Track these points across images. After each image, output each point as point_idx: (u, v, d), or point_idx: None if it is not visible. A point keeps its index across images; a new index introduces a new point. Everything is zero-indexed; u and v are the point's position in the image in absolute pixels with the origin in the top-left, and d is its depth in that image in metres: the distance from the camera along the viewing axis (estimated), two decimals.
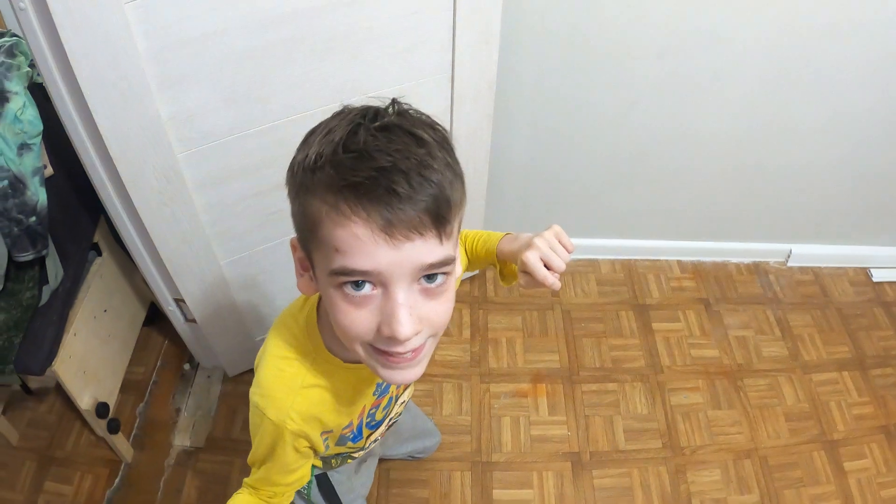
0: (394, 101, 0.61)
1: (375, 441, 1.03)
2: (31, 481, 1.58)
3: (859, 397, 1.81)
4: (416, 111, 0.61)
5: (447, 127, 0.68)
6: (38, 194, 1.28)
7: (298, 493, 1.08)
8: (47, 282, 1.39)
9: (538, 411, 1.74)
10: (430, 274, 0.59)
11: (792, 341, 1.93)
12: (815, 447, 1.69)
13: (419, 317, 0.60)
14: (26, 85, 1.26)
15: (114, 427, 1.55)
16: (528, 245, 0.77)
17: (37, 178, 1.27)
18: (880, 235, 2.09)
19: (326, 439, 0.83)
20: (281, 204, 1.37)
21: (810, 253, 2.13)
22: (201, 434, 1.68)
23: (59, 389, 1.50)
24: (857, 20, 1.50)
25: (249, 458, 0.81)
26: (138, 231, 1.31)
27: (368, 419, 0.93)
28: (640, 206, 1.99)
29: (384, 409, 0.96)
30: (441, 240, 0.58)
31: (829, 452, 1.68)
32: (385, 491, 1.58)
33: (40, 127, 1.26)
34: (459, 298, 1.94)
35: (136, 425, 1.70)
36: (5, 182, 1.21)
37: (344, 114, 0.61)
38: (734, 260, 2.15)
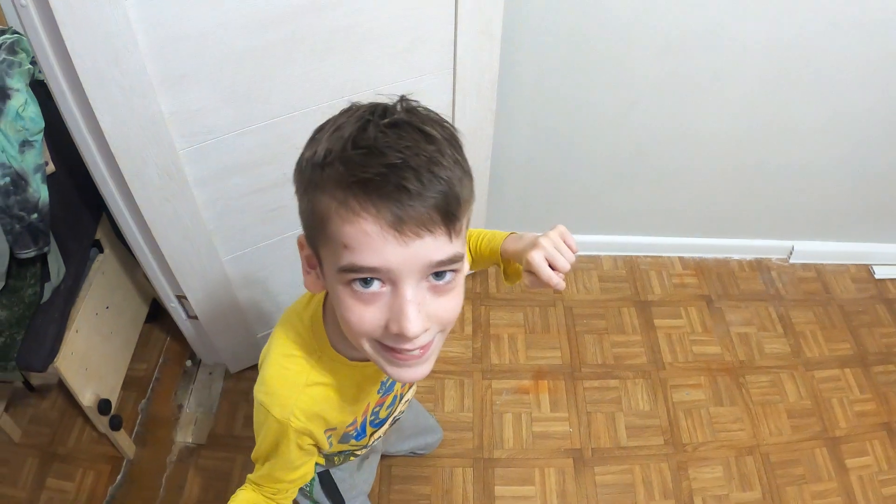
0: (402, 98, 0.60)
1: (378, 439, 1.03)
2: (33, 478, 1.58)
3: (861, 394, 1.81)
4: (425, 108, 0.61)
5: None
6: (40, 191, 1.28)
7: (301, 490, 1.08)
8: (49, 279, 1.39)
9: (540, 408, 1.74)
10: (438, 271, 0.59)
11: (794, 338, 1.93)
12: (817, 444, 1.69)
13: (428, 314, 0.60)
14: (28, 82, 1.26)
15: (116, 424, 1.55)
16: (533, 245, 0.77)
17: (38, 175, 1.27)
18: (883, 232, 2.09)
19: (330, 437, 0.83)
20: (282, 200, 1.38)
21: (812, 250, 2.12)
22: (203, 431, 1.68)
23: (62, 386, 1.51)
24: (858, 18, 1.49)
25: (253, 455, 0.81)
26: (140, 228, 1.30)
27: (372, 417, 0.93)
28: (641, 204, 1.99)
29: (388, 407, 0.96)
30: (450, 237, 0.57)
31: (830, 449, 1.68)
32: (387, 487, 1.58)
33: (42, 124, 1.26)
34: None
35: (137, 422, 1.70)
36: (7, 179, 1.21)
37: (352, 111, 0.60)
38: (736, 256, 2.15)
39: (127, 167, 1.14)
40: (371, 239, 0.55)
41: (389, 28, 1.22)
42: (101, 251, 1.59)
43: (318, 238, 0.61)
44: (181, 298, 1.52)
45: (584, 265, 2.10)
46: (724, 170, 1.87)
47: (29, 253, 1.29)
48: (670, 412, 1.74)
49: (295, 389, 0.75)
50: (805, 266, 2.14)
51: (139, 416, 1.71)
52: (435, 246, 0.56)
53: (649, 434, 1.70)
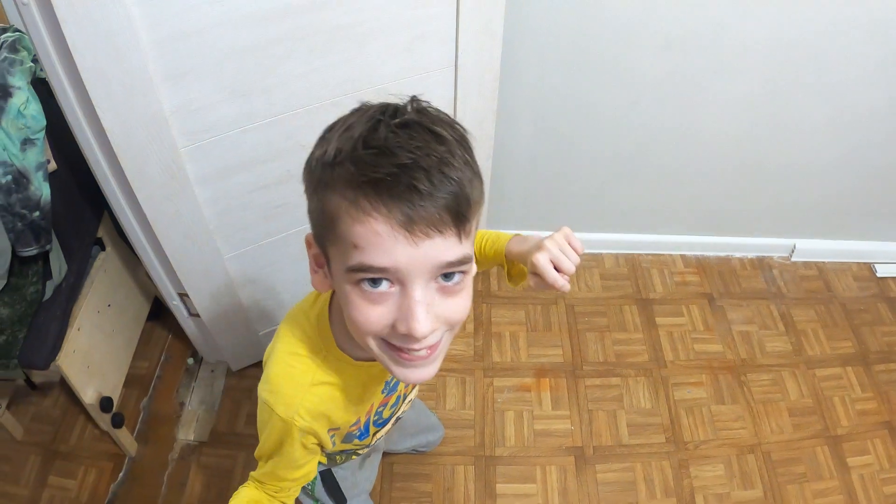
0: (413, 99, 0.60)
1: (380, 438, 1.03)
2: (35, 476, 1.58)
3: (863, 393, 1.81)
4: (436, 109, 0.61)
5: None
6: (42, 189, 1.28)
7: (303, 488, 1.08)
8: (51, 277, 1.39)
9: (541, 406, 1.74)
10: (447, 273, 0.59)
11: (795, 336, 1.93)
12: (819, 442, 1.69)
13: (436, 314, 0.60)
14: (29, 80, 1.26)
15: (118, 421, 1.56)
16: (538, 247, 0.77)
17: (40, 174, 1.27)
18: (884, 231, 2.09)
19: (333, 436, 0.83)
20: (284, 198, 1.38)
21: (814, 248, 2.12)
22: (205, 428, 1.68)
23: (63, 384, 1.51)
24: (859, 17, 1.49)
25: (257, 452, 0.81)
26: (142, 226, 1.30)
27: (376, 417, 0.93)
28: (643, 202, 1.98)
29: (392, 407, 0.96)
30: (460, 238, 0.57)
31: (832, 448, 1.68)
32: (389, 485, 1.58)
33: (43, 122, 1.26)
34: None
35: (139, 420, 1.71)
36: (9, 177, 1.21)
37: (363, 110, 0.60)
38: (738, 255, 2.14)
39: (128, 165, 1.14)
40: (381, 239, 0.55)
41: (391, 26, 1.22)
42: (103, 249, 1.59)
43: (326, 237, 0.61)
44: (183, 296, 1.52)
45: (586, 263, 2.10)
46: (726, 168, 1.87)
47: (31, 251, 1.29)
48: (672, 410, 1.74)
49: (300, 388, 0.75)
50: (807, 264, 2.14)
51: (141, 414, 1.72)
52: (445, 247, 0.56)
53: (651, 432, 1.70)
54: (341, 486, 1.16)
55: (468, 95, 1.43)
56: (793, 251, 2.13)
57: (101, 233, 1.57)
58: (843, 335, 1.94)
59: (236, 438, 1.66)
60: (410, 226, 0.54)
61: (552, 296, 2.00)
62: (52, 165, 1.33)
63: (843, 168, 1.87)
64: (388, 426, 1.01)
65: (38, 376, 1.49)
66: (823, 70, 1.60)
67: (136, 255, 1.42)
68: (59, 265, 1.39)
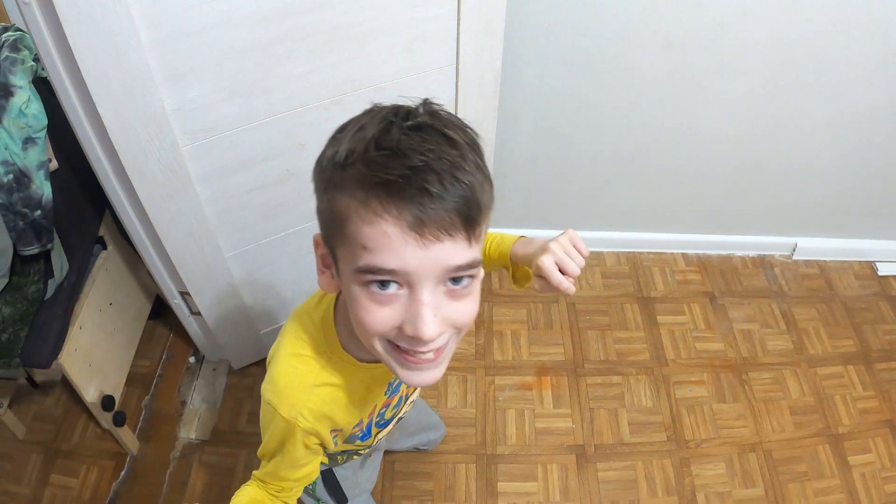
0: (425, 101, 0.60)
1: (382, 438, 1.03)
2: (37, 474, 1.59)
3: (864, 391, 1.80)
4: (447, 112, 0.61)
5: None
6: (43, 188, 1.28)
7: (305, 488, 1.08)
8: (52, 275, 1.39)
9: (543, 404, 1.74)
10: (456, 276, 0.59)
11: (797, 335, 1.93)
12: (820, 441, 1.69)
13: (444, 318, 0.60)
14: (31, 79, 1.26)
15: (119, 420, 1.56)
16: (544, 249, 0.77)
17: (42, 172, 1.27)
18: (886, 229, 2.09)
19: (336, 437, 0.83)
20: (285, 197, 1.38)
21: (816, 246, 2.12)
22: (207, 427, 1.69)
23: (65, 383, 1.51)
24: (859, 17, 1.48)
25: (259, 452, 0.81)
26: (143, 224, 1.31)
27: (378, 418, 0.93)
28: (644, 200, 1.98)
29: (394, 408, 0.97)
30: (470, 242, 0.57)
31: (833, 446, 1.68)
32: (390, 483, 1.58)
33: (45, 121, 1.26)
34: None
35: (141, 418, 1.71)
36: (10, 176, 1.21)
37: (375, 111, 0.60)
38: (739, 253, 2.14)
39: (130, 164, 1.14)
40: (391, 240, 0.55)
41: (391, 26, 1.22)
42: (105, 248, 1.60)
43: (335, 238, 0.60)
44: (184, 295, 1.52)
45: (588, 261, 2.09)
46: (727, 167, 1.87)
47: (32, 250, 1.30)
48: (673, 409, 1.74)
49: (303, 389, 0.75)
50: (808, 263, 2.13)
51: (143, 413, 1.72)
52: (454, 250, 0.56)
53: (652, 430, 1.70)
54: (342, 486, 1.16)
55: (469, 95, 1.43)
56: (794, 250, 2.13)
57: (102, 231, 1.57)
58: (844, 334, 1.94)
59: (238, 437, 1.66)
60: (420, 228, 0.54)
61: (554, 295, 1.97)
62: (54, 164, 1.33)
63: (844, 167, 1.86)
64: (390, 427, 1.01)
65: (39, 375, 1.49)
66: (823, 70, 1.60)
67: (137, 253, 1.43)
68: (60, 264, 1.40)
